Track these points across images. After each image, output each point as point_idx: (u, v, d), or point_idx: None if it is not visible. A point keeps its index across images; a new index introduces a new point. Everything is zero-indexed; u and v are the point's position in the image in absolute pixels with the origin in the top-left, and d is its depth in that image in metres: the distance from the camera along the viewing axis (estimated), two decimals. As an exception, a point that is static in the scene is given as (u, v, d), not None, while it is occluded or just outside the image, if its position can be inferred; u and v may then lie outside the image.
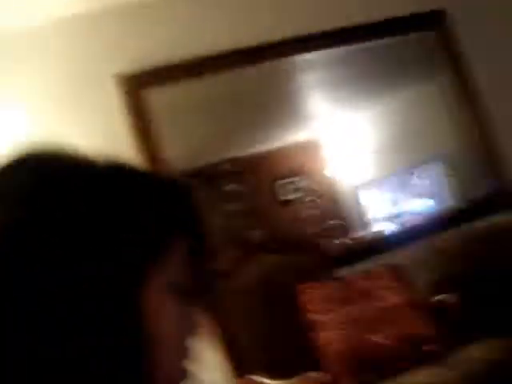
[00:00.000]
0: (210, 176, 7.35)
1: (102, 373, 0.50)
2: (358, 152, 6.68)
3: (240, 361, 2.48)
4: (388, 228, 4.07)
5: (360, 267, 2.78)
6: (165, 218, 0.58)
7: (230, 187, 6.97)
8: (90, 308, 0.50)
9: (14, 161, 0.56)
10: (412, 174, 6.24)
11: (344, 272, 2.77)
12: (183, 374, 0.61)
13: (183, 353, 0.60)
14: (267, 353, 2.43)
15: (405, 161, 6.10)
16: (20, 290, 0.48)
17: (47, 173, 0.55)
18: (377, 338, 2.42)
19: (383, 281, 2.61)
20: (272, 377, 2.22)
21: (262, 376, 2.26)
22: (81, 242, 0.51)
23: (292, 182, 7.00)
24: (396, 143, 6.22)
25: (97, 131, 2.71)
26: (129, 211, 0.55)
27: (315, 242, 3.36)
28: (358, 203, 6.68)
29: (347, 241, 4.34)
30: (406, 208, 6.26)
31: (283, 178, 7.09)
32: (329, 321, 2.44)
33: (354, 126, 6.75)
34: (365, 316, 2.46)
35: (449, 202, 5.66)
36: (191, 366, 0.62)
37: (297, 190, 6.98)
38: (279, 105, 5.15)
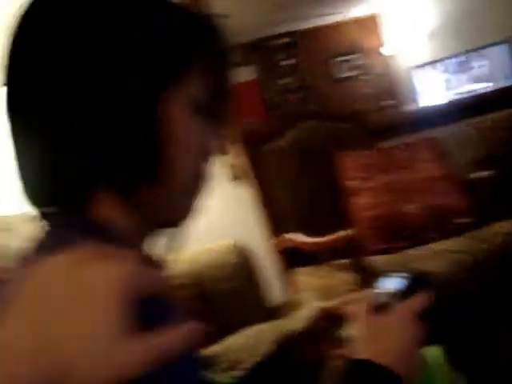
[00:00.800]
0: (267, 49, 7.31)
1: (124, 158, 0.56)
2: (416, 32, 6.46)
3: (277, 220, 2.63)
4: (436, 105, 4.05)
5: (402, 140, 2.83)
6: (187, 38, 0.61)
7: (286, 62, 6.94)
8: (118, 103, 0.55)
9: None
10: (471, 56, 6.05)
11: (386, 144, 2.86)
12: (196, 182, 0.64)
13: (197, 163, 0.63)
14: (303, 214, 2.60)
15: (464, 43, 5.89)
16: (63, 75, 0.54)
17: None
18: (409, 208, 2.54)
19: (422, 154, 2.67)
20: (307, 235, 2.38)
21: (298, 234, 2.42)
22: (116, 45, 0.55)
23: (348, 60, 6.89)
24: (456, 25, 5.98)
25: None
26: (156, 28, 0.58)
27: (360, 113, 3.35)
28: (412, 84, 6.59)
29: (394, 116, 4.36)
30: (462, 90, 6.14)
31: (339, 55, 6.97)
32: (364, 188, 2.57)
33: (414, 3, 6.47)
34: (399, 186, 2.57)
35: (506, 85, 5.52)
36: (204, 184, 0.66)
37: (352, 67, 6.89)
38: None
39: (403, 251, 2.35)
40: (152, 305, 0.44)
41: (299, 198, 2.59)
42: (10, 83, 0.58)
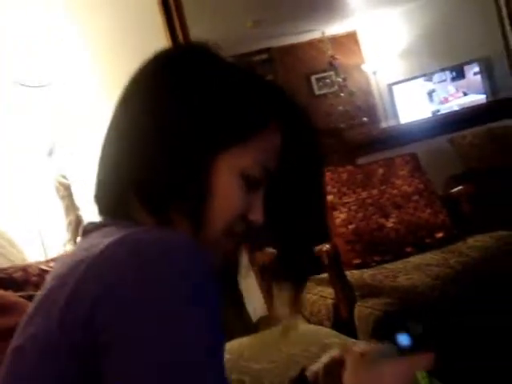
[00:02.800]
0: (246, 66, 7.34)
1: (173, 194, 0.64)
2: (393, 49, 6.58)
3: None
4: (414, 122, 4.12)
5: (381, 155, 2.87)
6: (264, 105, 0.68)
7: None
8: (177, 145, 0.64)
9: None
10: (447, 73, 6.18)
11: (365, 159, 2.89)
12: (224, 243, 0.69)
13: (231, 225, 0.67)
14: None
15: (440, 60, 6.01)
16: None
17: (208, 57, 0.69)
18: (386, 223, 2.57)
19: (400, 169, 2.71)
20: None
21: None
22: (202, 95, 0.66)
23: (326, 77, 6.97)
24: (432, 42, 6.10)
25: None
26: (239, 92, 0.67)
27: (341, 130, 3.39)
28: (393, 100, 6.69)
29: (373, 132, 4.42)
30: (439, 106, 6.26)
31: (317, 71, 7.06)
32: (342, 203, 2.60)
33: (392, 22, 6.60)
34: (377, 201, 2.60)
35: (479, 101, 5.66)
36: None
37: (330, 84, 6.97)
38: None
39: (381, 265, 2.38)
40: None
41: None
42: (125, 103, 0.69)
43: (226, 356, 1.39)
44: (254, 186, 0.68)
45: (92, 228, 0.66)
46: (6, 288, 1.21)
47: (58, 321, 0.54)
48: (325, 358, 0.79)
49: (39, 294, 0.62)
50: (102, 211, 0.71)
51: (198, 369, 0.51)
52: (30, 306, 0.62)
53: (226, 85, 0.67)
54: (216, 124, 0.65)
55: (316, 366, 0.82)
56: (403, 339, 0.73)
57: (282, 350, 1.41)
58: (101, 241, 0.58)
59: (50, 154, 1.97)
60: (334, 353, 0.77)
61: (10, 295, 1.14)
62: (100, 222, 0.68)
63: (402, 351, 0.72)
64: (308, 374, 0.83)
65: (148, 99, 0.68)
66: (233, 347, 1.44)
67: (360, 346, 0.76)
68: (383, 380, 0.67)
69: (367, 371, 0.69)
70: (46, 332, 0.55)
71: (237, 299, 0.78)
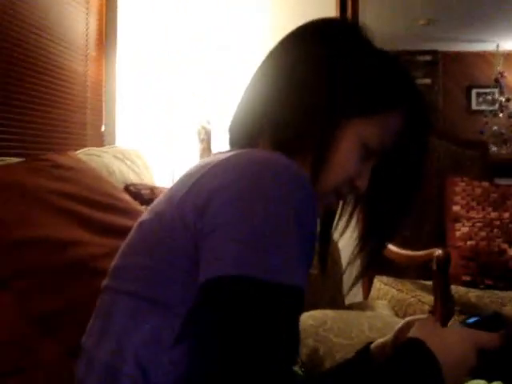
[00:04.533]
0: (406, 63, 7.15)
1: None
2: None
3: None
4: None
5: None
6: (399, 89, 0.76)
7: (422, 80, 6.79)
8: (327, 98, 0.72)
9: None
10: None
11: (503, 181, 2.78)
12: (330, 198, 0.77)
13: (340, 185, 0.75)
14: (402, 225, 2.58)
15: None
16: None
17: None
18: (510, 250, 2.45)
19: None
20: (400, 247, 2.37)
21: (392, 244, 2.41)
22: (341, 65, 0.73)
23: (487, 93, 6.61)
24: None
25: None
26: (381, 70, 0.75)
27: (487, 145, 3.25)
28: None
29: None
30: None
31: (480, 86, 6.70)
32: (468, 217, 2.51)
33: None
34: (507, 226, 2.49)
35: None
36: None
37: (490, 101, 6.61)
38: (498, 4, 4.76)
39: (490, 290, 2.29)
40: None
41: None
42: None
43: (309, 321, 1.44)
44: (369, 157, 0.76)
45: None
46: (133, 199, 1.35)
47: (177, 204, 0.64)
48: (398, 326, 0.81)
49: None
50: (232, 142, 0.80)
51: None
52: (157, 198, 0.72)
53: (373, 62, 0.75)
54: (354, 91, 0.73)
55: (384, 338, 0.85)
56: (473, 319, 0.74)
57: (364, 331, 1.42)
58: (224, 155, 0.67)
59: (201, 102, 2.13)
60: (409, 318, 0.79)
61: (136, 204, 1.27)
62: (227, 151, 0.75)
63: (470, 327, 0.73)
64: (372, 345, 0.86)
65: (304, 52, 0.76)
66: (317, 315, 1.48)
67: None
68: (447, 339, 0.68)
69: (434, 328, 0.71)
70: (166, 212, 0.66)
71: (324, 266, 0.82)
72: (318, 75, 0.74)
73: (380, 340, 0.85)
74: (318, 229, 0.84)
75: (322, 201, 0.74)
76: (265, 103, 0.75)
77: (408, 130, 0.77)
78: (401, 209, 0.81)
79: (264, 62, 0.79)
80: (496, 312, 0.76)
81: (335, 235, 0.87)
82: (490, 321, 0.75)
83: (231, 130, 0.80)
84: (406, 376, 0.63)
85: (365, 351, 0.86)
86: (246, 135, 0.77)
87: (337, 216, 0.86)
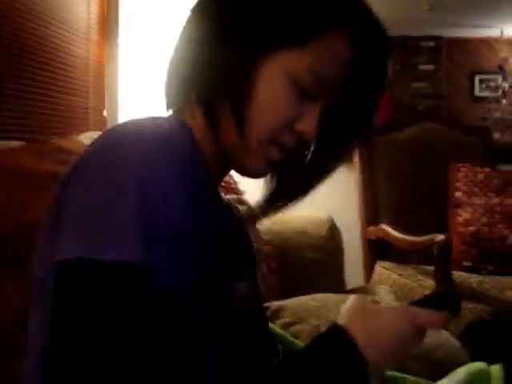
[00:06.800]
0: (407, 49, 7.13)
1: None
2: None
3: (373, 210, 2.62)
4: None
5: None
6: (325, 9, 0.63)
7: (425, 66, 6.74)
8: (244, 32, 0.63)
9: None
10: None
11: (506, 167, 2.77)
12: (269, 146, 0.66)
13: (278, 130, 0.65)
14: (402, 211, 2.57)
15: None
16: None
17: None
18: (509, 235, 2.46)
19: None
20: (402, 232, 2.37)
21: (393, 229, 2.42)
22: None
23: (493, 79, 6.57)
24: None
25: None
26: None
27: (490, 131, 3.23)
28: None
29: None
30: None
31: (484, 72, 6.67)
32: (470, 203, 2.51)
33: None
34: (506, 211, 2.49)
35: None
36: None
37: (494, 88, 6.57)
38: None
39: (491, 275, 2.30)
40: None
41: (402, 194, 2.57)
42: None
43: (310, 302, 1.44)
44: (307, 96, 0.65)
45: None
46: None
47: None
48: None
49: None
50: (167, 106, 0.74)
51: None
52: None
53: None
54: (265, 20, 0.63)
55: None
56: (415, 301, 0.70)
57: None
58: None
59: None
60: (354, 295, 0.72)
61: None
62: None
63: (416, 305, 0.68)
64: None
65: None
66: (318, 297, 1.49)
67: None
68: (381, 320, 0.63)
69: (366, 308, 0.66)
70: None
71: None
72: (221, 10, 0.66)
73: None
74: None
75: (259, 154, 0.66)
76: (185, 61, 0.68)
77: (357, 54, 0.65)
78: (342, 153, 0.72)
79: (185, 23, 0.72)
80: (438, 291, 0.73)
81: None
82: (433, 300, 0.70)
83: (165, 95, 0.74)
84: (324, 368, 0.59)
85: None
86: (174, 99, 0.71)
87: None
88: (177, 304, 0.53)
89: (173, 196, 0.54)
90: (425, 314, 0.65)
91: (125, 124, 0.61)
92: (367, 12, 0.66)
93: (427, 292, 2.08)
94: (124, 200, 0.52)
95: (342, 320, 0.65)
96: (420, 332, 0.65)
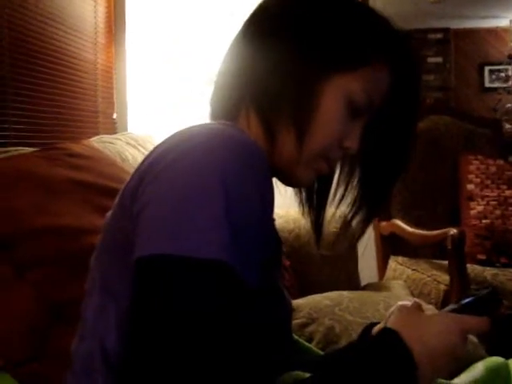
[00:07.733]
0: (415, 42, 7.09)
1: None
2: None
3: (387, 207, 2.60)
4: None
5: None
6: (379, 40, 0.71)
7: (433, 59, 6.71)
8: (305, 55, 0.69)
9: None
10: None
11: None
12: (318, 161, 0.72)
13: (328, 147, 0.71)
14: (413, 204, 2.56)
15: None
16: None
17: None
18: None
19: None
20: (414, 226, 2.36)
21: (406, 224, 2.40)
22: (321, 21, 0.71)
23: (503, 70, 6.51)
24: None
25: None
26: (357, 22, 0.71)
27: (501, 123, 3.20)
28: None
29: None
30: None
31: (493, 63, 6.62)
32: (482, 195, 2.50)
33: None
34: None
35: None
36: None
37: (503, 78, 6.52)
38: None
39: (506, 268, 2.28)
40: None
41: (413, 188, 2.55)
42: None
43: (325, 301, 1.44)
44: (356, 114, 0.71)
45: None
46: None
47: (121, 192, 0.66)
48: (390, 310, 0.76)
49: None
50: (213, 115, 0.77)
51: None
52: None
53: (346, 12, 0.72)
54: (331, 46, 0.70)
55: (384, 321, 0.81)
56: (467, 300, 0.70)
57: (379, 310, 1.43)
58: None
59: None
60: (402, 302, 0.74)
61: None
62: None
63: (462, 310, 0.68)
64: (375, 329, 0.83)
65: (273, 14, 0.73)
66: (332, 296, 1.49)
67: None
68: (430, 329, 0.64)
69: (411, 315, 0.67)
70: (116, 203, 0.67)
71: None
72: (289, 33, 0.70)
73: (381, 324, 0.82)
74: (304, 194, 0.83)
75: (310, 166, 0.72)
76: (243, 74, 0.73)
77: (396, 82, 0.73)
78: (394, 169, 0.77)
79: (239, 32, 0.76)
80: (492, 290, 0.72)
81: (332, 208, 0.85)
82: (486, 300, 0.70)
83: (213, 101, 0.77)
84: (375, 370, 0.60)
85: (366, 334, 0.84)
86: (227, 108, 0.75)
87: (334, 185, 0.82)
88: (250, 304, 0.57)
89: (251, 198, 0.58)
90: (472, 322, 0.67)
91: (200, 127, 0.64)
92: (404, 44, 0.74)
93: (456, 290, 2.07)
94: (211, 201, 0.55)
95: (392, 325, 0.66)
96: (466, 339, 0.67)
